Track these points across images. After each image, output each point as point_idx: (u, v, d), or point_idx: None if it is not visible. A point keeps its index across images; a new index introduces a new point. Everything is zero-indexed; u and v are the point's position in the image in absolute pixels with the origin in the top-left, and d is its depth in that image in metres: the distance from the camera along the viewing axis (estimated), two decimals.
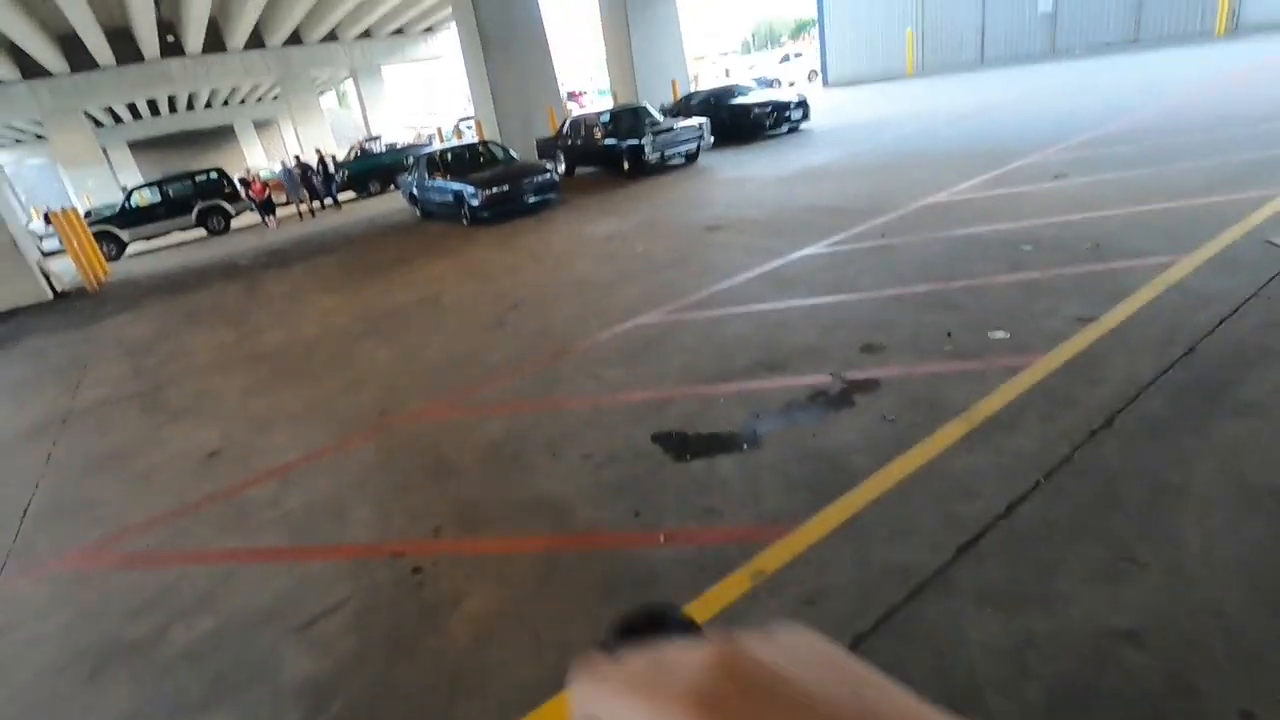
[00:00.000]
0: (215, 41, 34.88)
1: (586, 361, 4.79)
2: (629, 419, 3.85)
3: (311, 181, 17.68)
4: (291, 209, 18.18)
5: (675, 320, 5.25)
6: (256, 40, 36.57)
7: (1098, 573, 2.23)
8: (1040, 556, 2.34)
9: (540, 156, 16.12)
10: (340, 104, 71.66)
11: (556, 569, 2.78)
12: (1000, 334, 3.94)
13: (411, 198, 13.66)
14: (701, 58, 66.46)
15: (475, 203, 10.92)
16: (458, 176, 11.56)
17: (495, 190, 10.91)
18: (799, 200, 8.47)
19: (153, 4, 25.14)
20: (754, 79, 29.08)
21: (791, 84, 30.13)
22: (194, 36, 31.92)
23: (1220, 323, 3.60)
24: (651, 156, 12.58)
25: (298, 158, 18.47)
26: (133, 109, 52.21)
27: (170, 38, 31.53)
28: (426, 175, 12.34)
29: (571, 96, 48.75)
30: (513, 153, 13.44)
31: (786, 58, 31.24)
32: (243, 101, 58.54)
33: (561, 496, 3.24)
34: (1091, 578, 2.21)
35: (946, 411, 3.28)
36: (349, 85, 46.07)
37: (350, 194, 20.75)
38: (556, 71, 17.81)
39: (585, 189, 13.05)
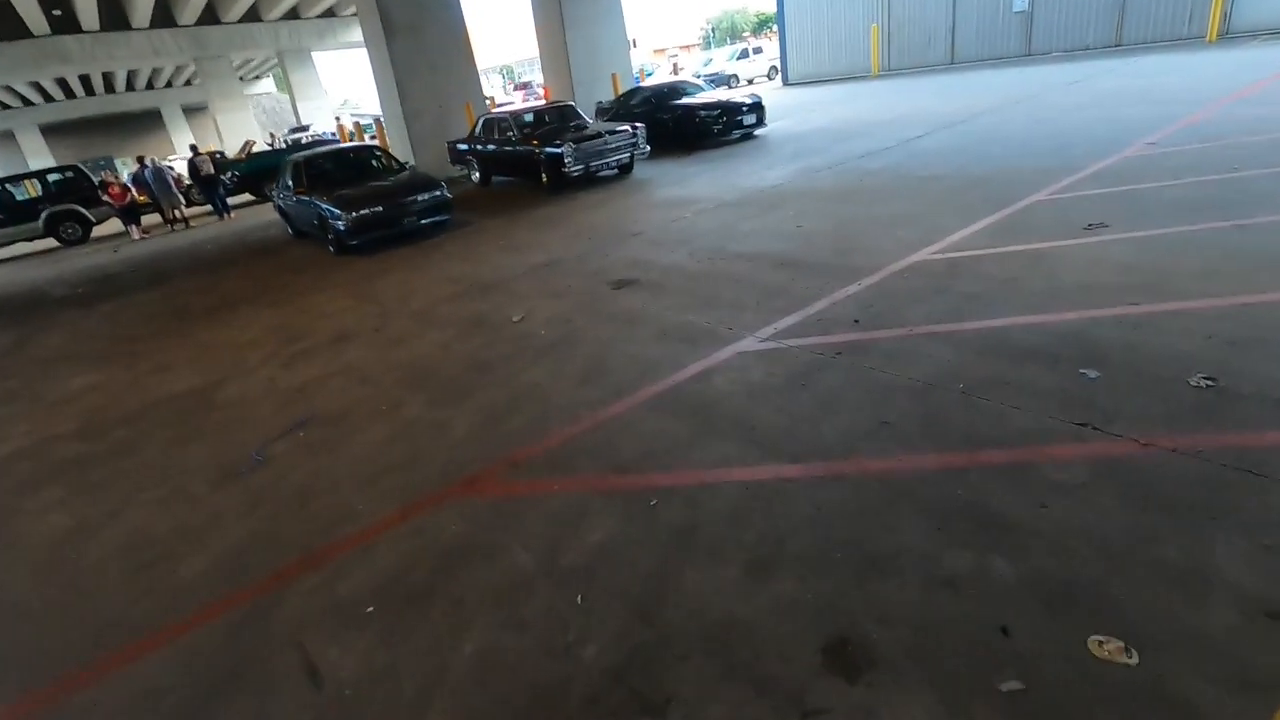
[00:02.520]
0: (117, 18, 31.42)
1: (324, 608, 2.58)
2: None
3: (167, 184, 14.86)
4: (172, 214, 15.34)
5: (511, 499, 3.08)
6: (166, 17, 33.17)
7: None
8: None
9: (453, 162, 13.77)
10: (279, 89, 67.24)
11: None
12: (1113, 645, 1.87)
13: (281, 212, 11.17)
14: (662, 50, 64.19)
15: (340, 228, 8.56)
16: (325, 193, 9.15)
17: (365, 213, 8.55)
18: (743, 241, 6.37)
19: None
20: (707, 76, 27.05)
21: (750, 81, 28.16)
22: (87, 11, 28.50)
23: None
24: (573, 170, 10.36)
25: (144, 159, 15.48)
26: (41, 90, 48.03)
27: (56, 11, 27.94)
28: (292, 188, 9.90)
29: (523, 89, 45.89)
30: (405, 161, 11.07)
31: (745, 53, 29.02)
32: (169, 84, 54.46)
33: None
34: None
35: None
36: None
37: (248, 196, 17.99)
38: (477, 61, 15.40)
39: (494, 206, 10.78)
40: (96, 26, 30.97)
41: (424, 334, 5.44)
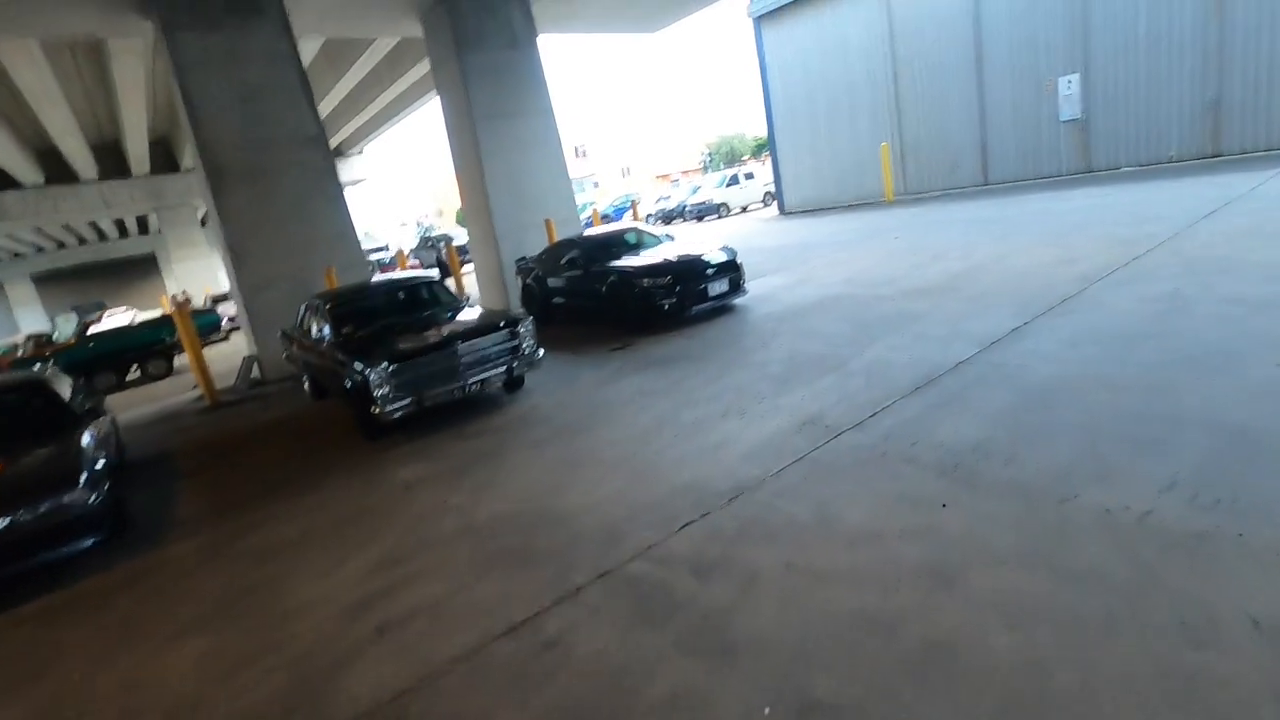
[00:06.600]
0: (62, 172, 29.27)
1: None
2: None
3: None
4: None
5: None
6: (120, 168, 31.07)
7: None
8: None
9: (288, 359, 9.42)
10: None
11: None
12: None
13: None
14: (665, 175, 62.85)
15: None
16: None
17: None
18: None
19: None
20: (694, 205, 23.56)
21: (743, 209, 24.55)
22: (23, 169, 26.34)
23: None
24: (390, 408, 5.79)
25: None
26: (32, 241, 46.85)
27: None
28: None
29: None
30: (71, 400, 6.56)
31: (734, 179, 25.55)
32: (160, 231, 53.63)
33: None
34: None
35: None
36: None
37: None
38: (351, 212, 11.42)
39: (268, 469, 6.17)
40: (40, 181, 28.92)
41: None
